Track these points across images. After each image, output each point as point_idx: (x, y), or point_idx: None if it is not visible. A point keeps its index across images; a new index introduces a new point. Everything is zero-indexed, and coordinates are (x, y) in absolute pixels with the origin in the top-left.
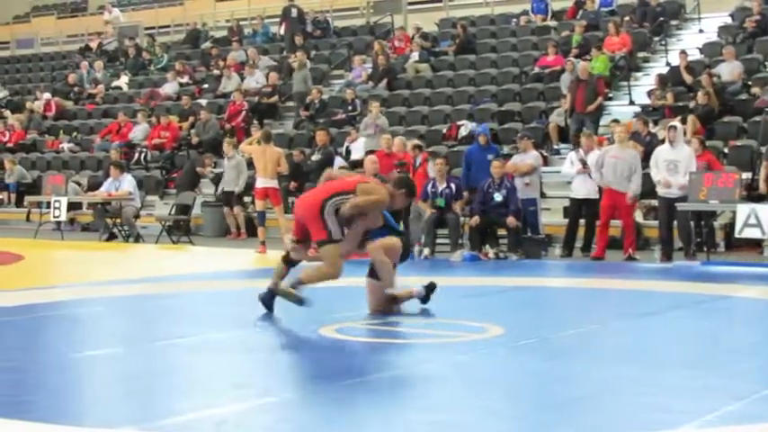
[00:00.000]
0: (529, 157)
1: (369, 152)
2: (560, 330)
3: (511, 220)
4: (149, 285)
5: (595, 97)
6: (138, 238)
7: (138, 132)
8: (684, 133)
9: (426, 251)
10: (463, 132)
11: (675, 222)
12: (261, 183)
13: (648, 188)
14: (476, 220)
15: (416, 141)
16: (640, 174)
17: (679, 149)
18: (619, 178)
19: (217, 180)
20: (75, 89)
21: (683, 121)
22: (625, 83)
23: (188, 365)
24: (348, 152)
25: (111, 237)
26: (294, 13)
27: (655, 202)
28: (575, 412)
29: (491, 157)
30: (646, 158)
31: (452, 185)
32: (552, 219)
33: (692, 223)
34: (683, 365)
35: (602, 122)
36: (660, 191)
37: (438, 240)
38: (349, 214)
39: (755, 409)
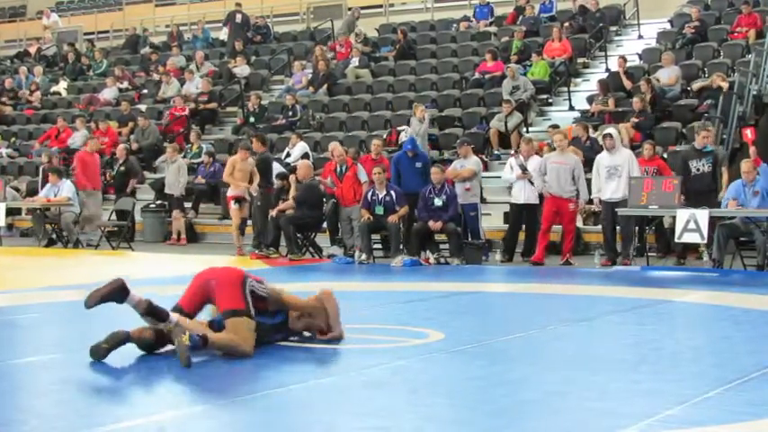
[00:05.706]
0: (469, 162)
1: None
2: (502, 335)
3: (439, 225)
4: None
5: None
6: (77, 244)
7: (77, 138)
8: (622, 139)
9: (363, 256)
10: (403, 138)
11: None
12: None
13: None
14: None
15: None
16: (584, 178)
17: (618, 154)
18: (562, 184)
19: (156, 185)
20: (13, 94)
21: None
22: (565, 88)
23: (127, 372)
24: (289, 157)
25: (51, 242)
26: (239, 18)
27: (594, 208)
28: (518, 417)
29: (420, 164)
30: (587, 164)
31: (392, 193)
32: (493, 224)
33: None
34: (625, 369)
35: (540, 128)
36: (602, 196)
37: (375, 245)
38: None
39: (697, 412)
